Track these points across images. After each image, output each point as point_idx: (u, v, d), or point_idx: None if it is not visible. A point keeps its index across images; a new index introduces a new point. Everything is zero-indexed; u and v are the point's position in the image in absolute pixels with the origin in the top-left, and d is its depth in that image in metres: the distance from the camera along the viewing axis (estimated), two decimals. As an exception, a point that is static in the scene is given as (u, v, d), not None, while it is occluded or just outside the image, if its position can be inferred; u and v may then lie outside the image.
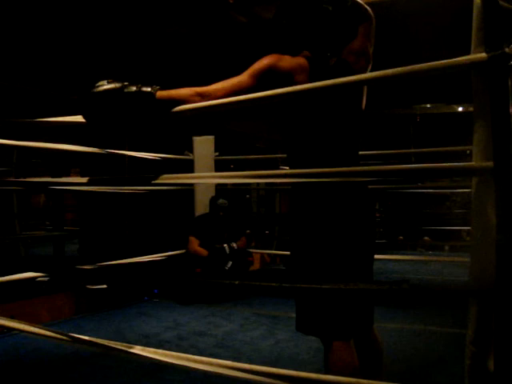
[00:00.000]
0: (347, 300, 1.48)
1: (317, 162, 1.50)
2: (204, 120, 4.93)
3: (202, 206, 4.54)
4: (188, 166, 4.21)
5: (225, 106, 1.30)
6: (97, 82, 1.34)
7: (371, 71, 1.57)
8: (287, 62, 1.47)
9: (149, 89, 1.33)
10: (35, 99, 3.91)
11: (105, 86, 1.32)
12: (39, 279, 2.14)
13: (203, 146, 4.38)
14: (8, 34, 3.50)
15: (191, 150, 4.32)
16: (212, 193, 4.57)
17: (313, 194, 1.51)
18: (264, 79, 1.41)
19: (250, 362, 1.21)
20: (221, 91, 1.36)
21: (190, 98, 1.35)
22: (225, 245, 4.45)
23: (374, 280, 1.64)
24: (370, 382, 1.07)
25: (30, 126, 1.77)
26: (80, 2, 3.33)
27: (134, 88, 1.32)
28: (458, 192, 7.48)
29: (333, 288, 1.29)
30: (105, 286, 2.61)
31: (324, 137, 1.52)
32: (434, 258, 6.90)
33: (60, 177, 4.66)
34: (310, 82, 1.37)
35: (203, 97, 1.35)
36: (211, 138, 4.46)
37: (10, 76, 3.71)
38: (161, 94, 1.34)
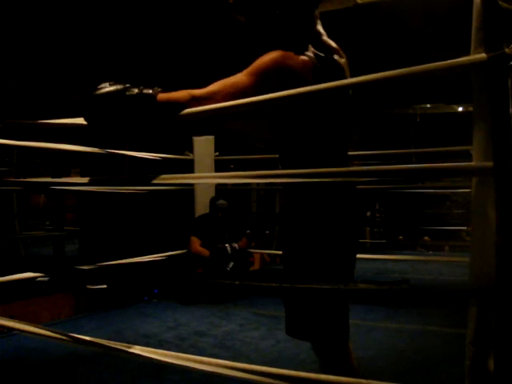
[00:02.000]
0: (340, 304, 1.44)
1: (312, 160, 1.44)
2: (203, 120, 4.93)
3: (202, 206, 4.54)
4: (188, 166, 4.21)
5: (224, 110, 1.30)
6: (98, 84, 1.33)
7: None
8: (295, 59, 1.38)
9: (150, 91, 1.32)
10: (36, 99, 3.91)
11: (107, 88, 1.31)
12: (39, 279, 2.14)
13: (203, 146, 4.38)
14: (9, 34, 3.50)
15: (191, 150, 4.31)
16: (212, 193, 4.57)
17: (304, 195, 1.46)
18: (269, 78, 1.34)
19: (250, 362, 1.21)
20: (218, 94, 1.32)
21: (186, 102, 1.32)
22: (226, 245, 4.45)
23: (354, 280, 1.57)
24: (370, 381, 1.07)
25: (30, 127, 1.77)
26: (80, 2, 3.33)
27: (135, 90, 1.31)
28: (458, 192, 7.48)
29: (332, 288, 1.29)
30: (105, 286, 2.61)
31: (319, 134, 1.46)
32: (434, 258, 6.89)
33: (60, 177, 4.67)
34: (316, 80, 1.32)
35: (199, 101, 1.32)
36: (211, 137, 4.46)
37: (11, 76, 3.71)
38: (161, 96, 1.32)
